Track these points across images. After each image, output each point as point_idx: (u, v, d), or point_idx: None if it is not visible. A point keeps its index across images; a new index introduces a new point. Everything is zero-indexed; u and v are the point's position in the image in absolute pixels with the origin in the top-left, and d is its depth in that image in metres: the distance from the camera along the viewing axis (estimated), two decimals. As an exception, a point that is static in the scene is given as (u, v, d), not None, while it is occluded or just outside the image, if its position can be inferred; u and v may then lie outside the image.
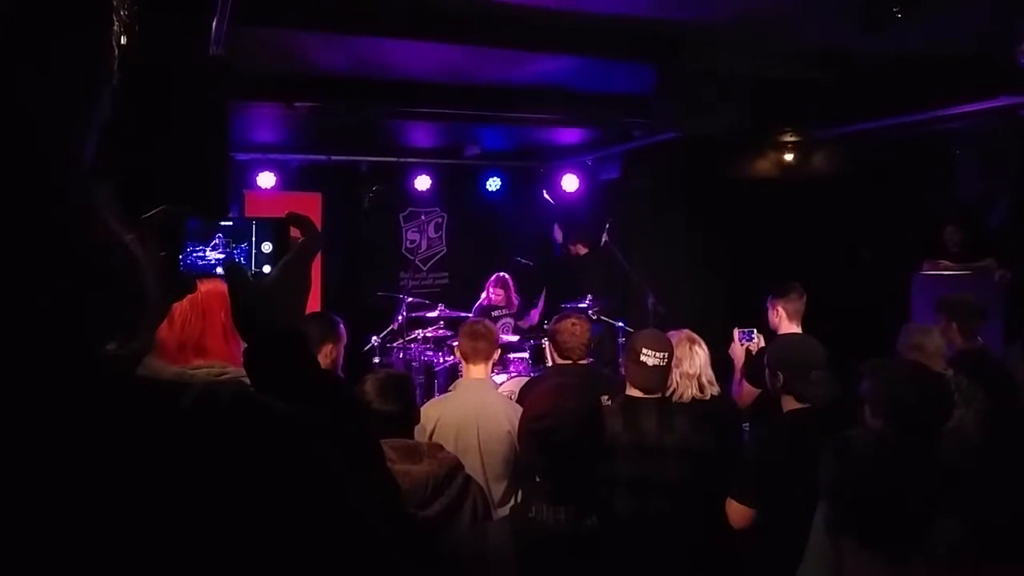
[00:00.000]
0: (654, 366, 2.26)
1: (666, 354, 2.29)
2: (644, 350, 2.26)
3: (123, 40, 0.45)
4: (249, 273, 0.75)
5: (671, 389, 2.43)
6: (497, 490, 2.34)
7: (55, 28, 0.42)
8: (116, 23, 0.45)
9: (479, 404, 2.47)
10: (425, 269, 6.96)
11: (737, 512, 2.17)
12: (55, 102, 0.42)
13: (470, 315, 5.33)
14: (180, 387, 0.43)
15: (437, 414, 2.32)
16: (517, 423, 2.38)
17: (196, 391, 0.43)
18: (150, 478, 0.39)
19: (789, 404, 2.32)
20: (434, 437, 2.26)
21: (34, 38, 0.41)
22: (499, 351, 2.71)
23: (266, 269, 0.76)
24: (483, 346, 2.61)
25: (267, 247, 0.76)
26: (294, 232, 0.77)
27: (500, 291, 5.54)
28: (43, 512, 0.37)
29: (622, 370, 5.53)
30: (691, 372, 2.55)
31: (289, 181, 6.10)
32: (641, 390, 2.29)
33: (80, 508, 0.38)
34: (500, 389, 4.46)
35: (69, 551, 0.37)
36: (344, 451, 0.56)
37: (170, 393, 0.42)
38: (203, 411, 0.42)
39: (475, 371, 2.62)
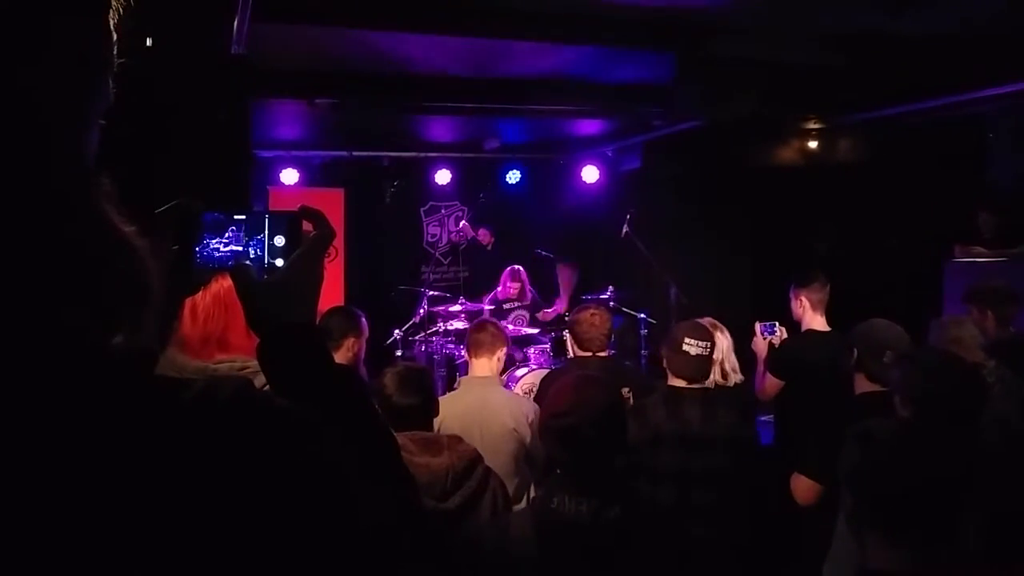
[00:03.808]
0: (697, 355, 2.27)
1: (708, 344, 2.31)
2: (687, 339, 2.28)
3: (120, 23, 0.44)
4: (263, 266, 0.75)
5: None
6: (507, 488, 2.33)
7: (51, 12, 0.41)
8: (115, 5, 0.44)
9: (480, 402, 2.45)
10: (446, 263, 6.98)
11: (804, 487, 2.16)
12: (54, 90, 0.41)
13: (484, 306, 5.33)
14: (182, 384, 0.42)
15: (440, 414, 2.33)
16: (522, 419, 2.42)
17: (197, 387, 0.42)
18: (147, 474, 0.38)
19: (862, 385, 2.30)
20: (439, 431, 2.24)
21: (30, 23, 0.40)
22: (505, 347, 2.69)
23: (279, 262, 0.76)
24: (485, 340, 2.59)
25: (279, 241, 0.76)
26: (307, 226, 0.77)
27: (515, 284, 5.54)
28: (40, 507, 0.37)
29: (643, 361, 5.48)
30: (714, 358, 2.55)
31: (312, 177, 6.15)
32: (684, 379, 2.31)
33: (76, 503, 0.37)
34: (520, 382, 4.47)
35: (64, 546, 0.37)
36: (354, 446, 0.55)
37: (171, 389, 0.42)
38: (202, 408, 0.41)
39: (478, 367, 2.61)
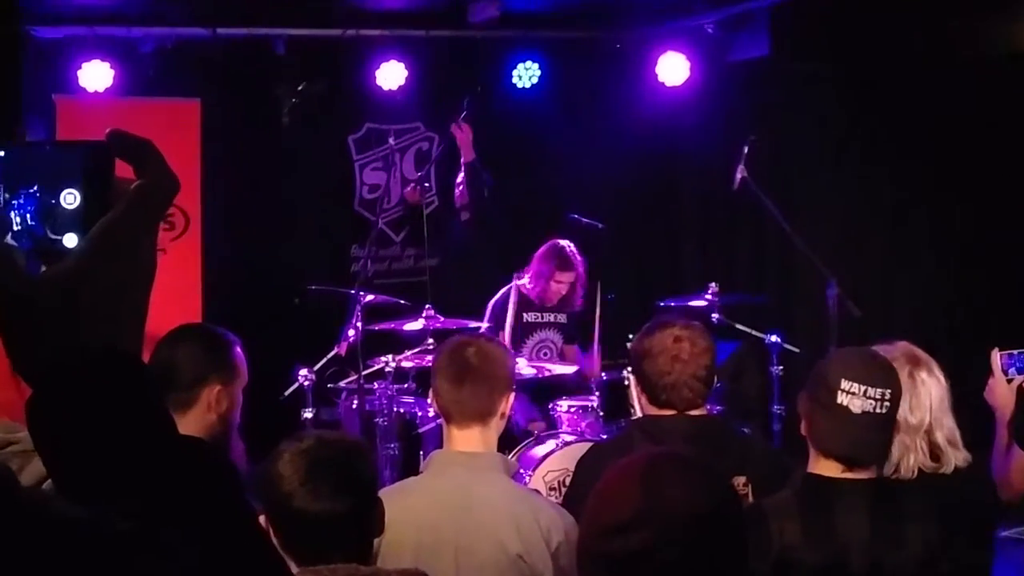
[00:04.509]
0: (864, 414, 2.29)
1: (889, 391, 2.32)
2: (846, 383, 2.30)
3: None
4: (38, 247, 0.77)
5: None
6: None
7: None
8: None
9: (461, 500, 2.49)
10: (398, 239, 7.04)
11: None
12: None
13: (483, 323, 5.35)
14: None
15: (387, 526, 2.36)
16: (536, 539, 2.44)
17: None
18: None
19: None
20: (380, 560, 2.27)
21: None
22: (510, 393, 2.69)
23: (70, 240, 0.77)
24: (471, 394, 2.60)
25: (71, 198, 0.76)
26: (124, 170, 0.78)
27: (566, 275, 5.53)
28: None
29: (775, 426, 5.46)
30: (914, 421, 2.59)
31: (140, 76, 6.22)
32: (840, 460, 2.35)
33: None
34: (541, 469, 4.49)
35: None
36: None
37: None
38: None
39: (460, 438, 2.63)
